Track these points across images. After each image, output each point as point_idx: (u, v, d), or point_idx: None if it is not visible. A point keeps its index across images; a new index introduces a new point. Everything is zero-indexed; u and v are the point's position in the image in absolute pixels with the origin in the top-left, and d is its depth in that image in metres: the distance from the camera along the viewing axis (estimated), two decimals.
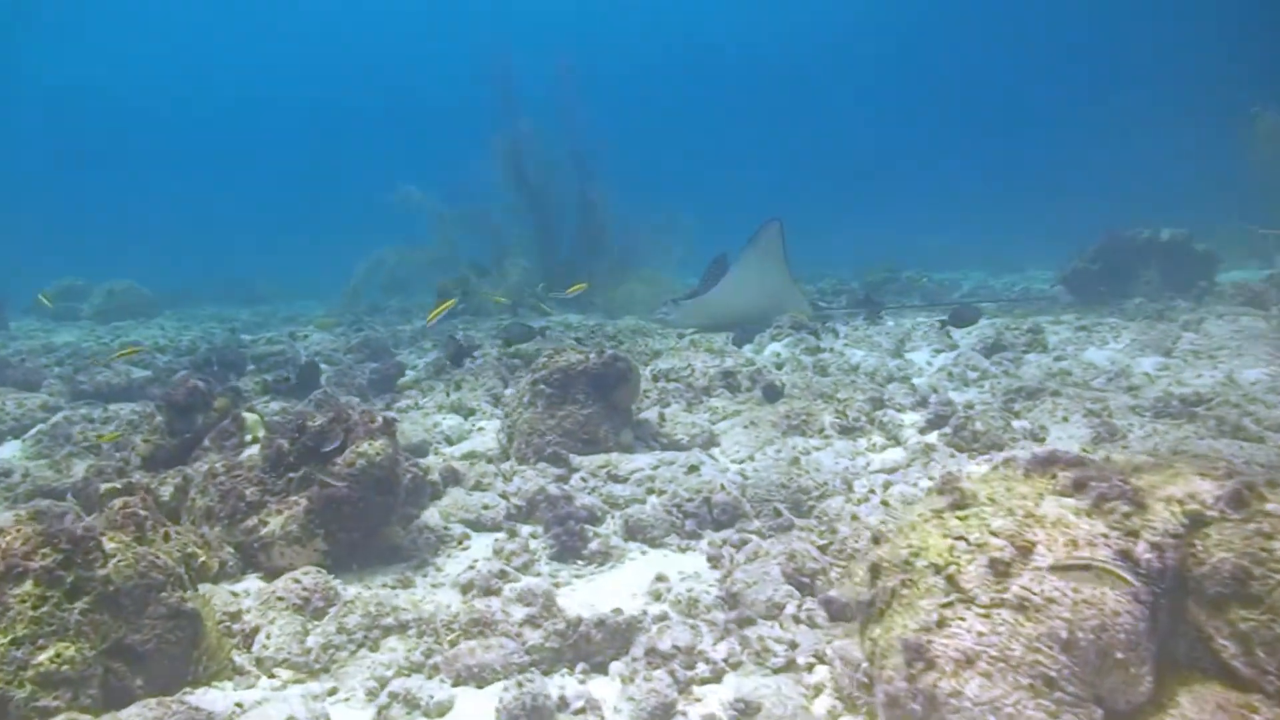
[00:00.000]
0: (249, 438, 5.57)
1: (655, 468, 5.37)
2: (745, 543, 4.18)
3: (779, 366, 8.30)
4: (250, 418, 5.71)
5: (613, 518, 4.79)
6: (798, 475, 4.88)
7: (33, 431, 7.32)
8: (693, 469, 5.24)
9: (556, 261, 14.90)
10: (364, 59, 70.25)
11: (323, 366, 10.11)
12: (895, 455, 5.63)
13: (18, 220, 49.74)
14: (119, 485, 4.67)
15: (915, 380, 7.55)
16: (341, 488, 4.29)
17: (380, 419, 4.75)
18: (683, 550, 4.46)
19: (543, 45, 16.22)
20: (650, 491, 5.09)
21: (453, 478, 5.35)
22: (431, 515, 4.86)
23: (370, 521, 4.34)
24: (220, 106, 72.55)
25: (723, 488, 4.73)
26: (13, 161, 62.37)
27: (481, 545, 4.59)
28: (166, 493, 4.78)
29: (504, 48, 15.29)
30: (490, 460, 5.84)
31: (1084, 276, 13.19)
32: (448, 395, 7.86)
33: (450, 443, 6.58)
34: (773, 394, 6.66)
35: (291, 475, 4.60)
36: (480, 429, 6.84)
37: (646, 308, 13.09)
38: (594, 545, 4.39)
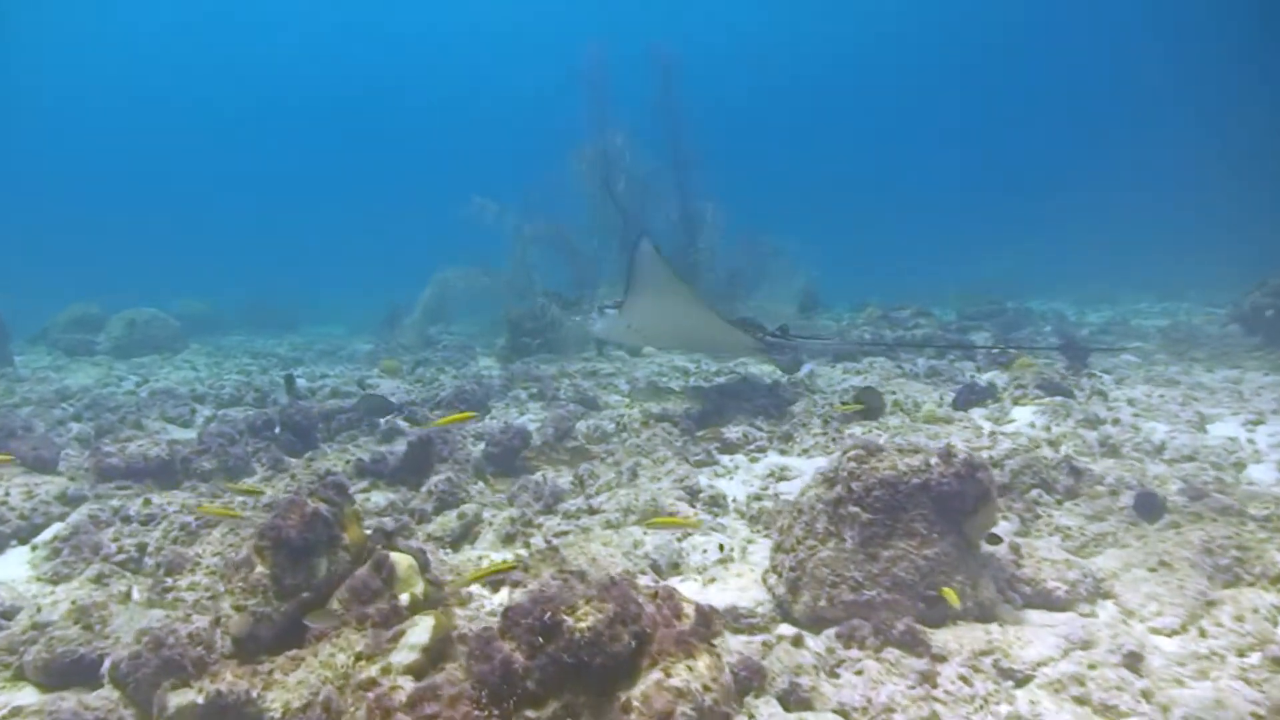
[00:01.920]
0: (404, 599, 3.43)
1: (1071, 658, 3.24)
2: None
3: (1053, 444, 6.15)
4: (403, 563, 3.56)
5: None
6: None
7: (47, 535, 5.20)
8: (1132, 667, 3.12)
9: None
10: (407, 58, 68.27)
11: (403, 425, 7.98)
12: None
13: (21, 239, 47.86)
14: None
15: (1258, 469, 5.45)
16: None
17: (692, 610, 2.63)
18: None
19: (632, 48, 14.06)
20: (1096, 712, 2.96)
21: (754, 674, 3.18)
22: None
23: None
24: (239, 113, 70.49)
25: None
26: (16, 177, 60.66)
27: None
28: None
29: (595, 46, 13.13)
30: (768, 628, 3.68)
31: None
32: (620, 483, 5.73)
33: (661, 574, 4.43)
34: (1152, 508, 4.50)
35: (533, 716, 2.50)
36: (701, 550, 4.67)
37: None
38: None
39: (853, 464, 3.80)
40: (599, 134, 13.13)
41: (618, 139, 13.31)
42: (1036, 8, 58.78)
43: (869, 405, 7.21)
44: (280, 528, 3.39)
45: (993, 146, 62.66)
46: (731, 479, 6.06)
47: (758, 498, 5.46)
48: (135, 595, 4.31)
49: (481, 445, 6.85)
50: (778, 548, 3.99)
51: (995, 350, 10.37)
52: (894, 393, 8.14)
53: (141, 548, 4.90)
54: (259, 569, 3.36)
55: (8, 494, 5.46)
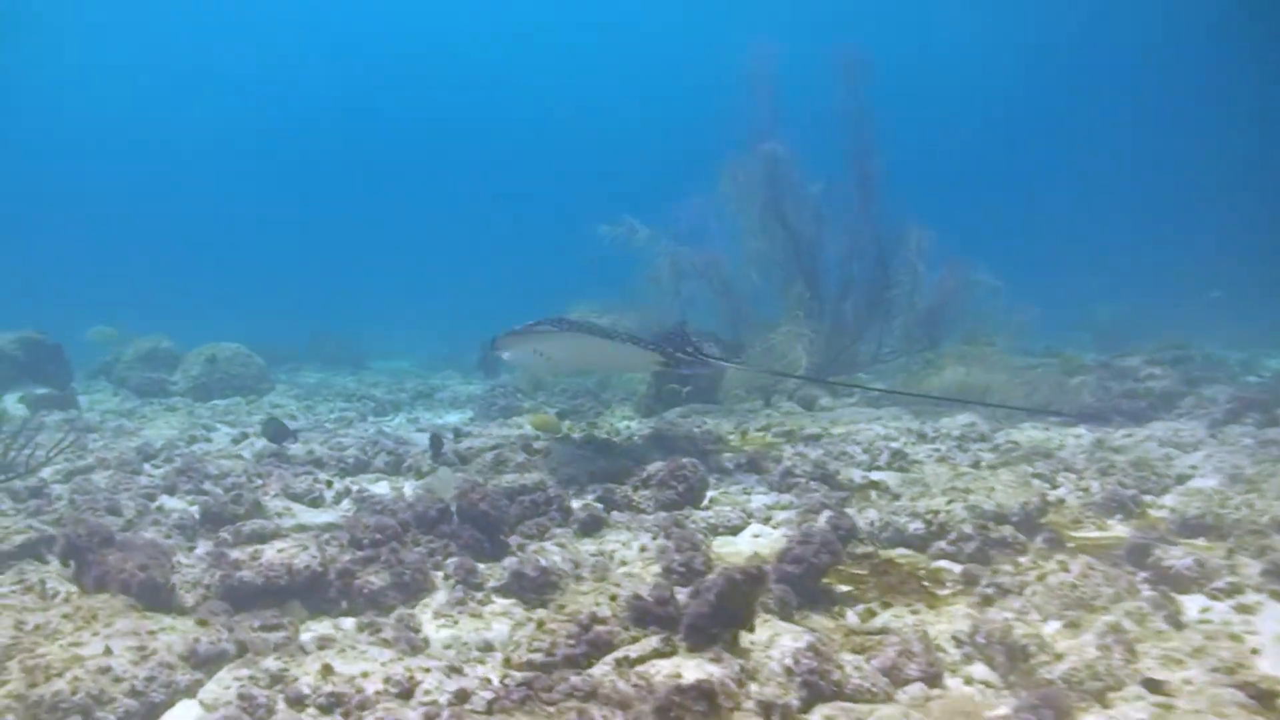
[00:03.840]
0: None
1: None
2: None
3: None
4: None
5: None
6: None
7: None
8: None
9: (837, 329, 10.59)
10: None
11: (602, 509, 5.90)
12: None
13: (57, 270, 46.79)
14: None
15: None
16: None
17: None
18: None
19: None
20: None
21: None
22: None
23: None
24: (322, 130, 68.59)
25: None
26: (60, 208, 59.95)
27: None
28: None
29: (765, 43, 11.12)
30: None
31: None
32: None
33: None
34: None
35: None
36: None
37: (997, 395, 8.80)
38: None
39: None
40: (764, 147, 11.12)
41: (782, 152, 11.30)
42: None
43: None
44: None
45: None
46: None
47: None
48: None
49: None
50: None
51: None
52: None
53: None
54: None
55: (109, 651, 3.44)
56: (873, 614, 4.26)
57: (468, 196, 67.33)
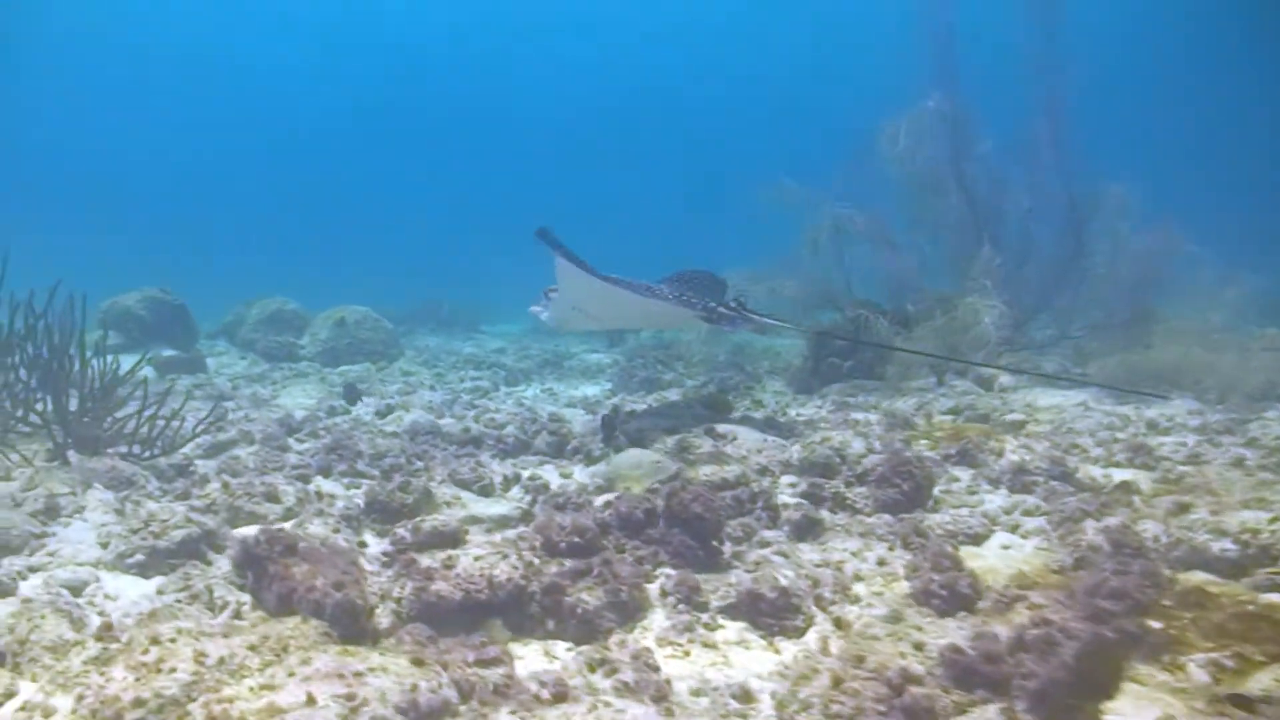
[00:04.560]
0: None
1: None
2: None
3: None
4: None
5: None
6: None
7: None
8: None
9: (1015, 300, 9.44)
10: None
11: (809, 508, 5.06)
12: None
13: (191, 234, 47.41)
14: None
15: None
16: None
17: None
18: None
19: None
20: None
21: None
22: None
23: None
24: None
25: None
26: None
27: None
28: None
29: None
30: None
31: None
32: None
33: None
34: None
35: None
36: None
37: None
38: None
39: None
40: (941, 98, 9.99)
41: (955, 106, 10.15)
42: None
43: None
44: None
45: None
46: None
47: None
48: None
49: None
50: None
51: None
52: None
53: None
54: None
55: (312, 700, 2.76)
56: (1238, 673, 3.33)
57: (600, 154, 65.33)
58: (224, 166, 62.57)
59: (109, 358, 6.48)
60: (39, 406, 6.19)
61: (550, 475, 6.37)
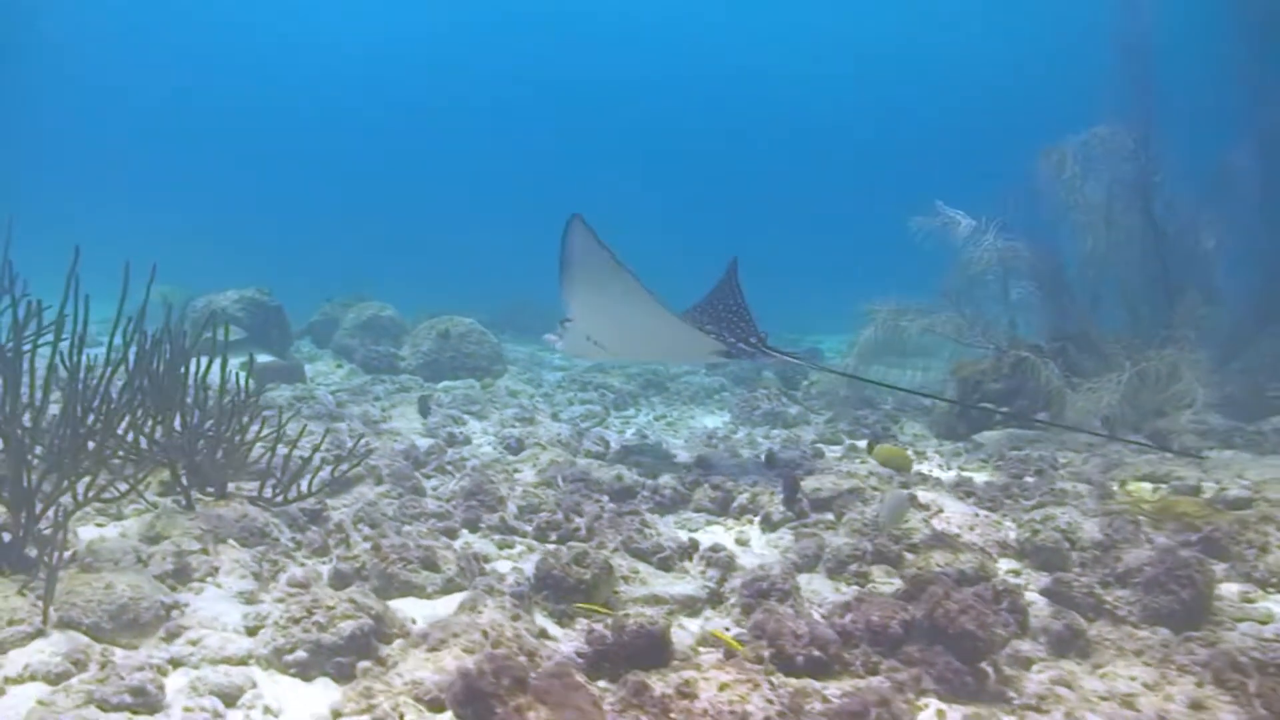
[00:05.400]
0: None
1: None
2: None
3: None
4: None
5: None
6: None
7: None
8: None
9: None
10: None
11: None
12: None
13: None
14: None
15: None
16: None
17: None
18: None
19: None
20: None
21: None
22: None
23: None
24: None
25: None
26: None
27: None
28: None
29: None
30: None
31: None
32: None
33: None
34: None
35: None
36: None
37: None
38: None
39: None
40: (1128, 121, 8.99)
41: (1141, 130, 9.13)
42: None
43: None
44: None
45: None
46: None
47: None
48: None
49: None
50: None
51: None
52: None
53: None
54: None
55: None
56: None
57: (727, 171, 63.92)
58: (270, 155, 62.18)
59: (237, 374, 5.76)
60: (150, 431, 5.35)
61: (722, 538, 5.56)
